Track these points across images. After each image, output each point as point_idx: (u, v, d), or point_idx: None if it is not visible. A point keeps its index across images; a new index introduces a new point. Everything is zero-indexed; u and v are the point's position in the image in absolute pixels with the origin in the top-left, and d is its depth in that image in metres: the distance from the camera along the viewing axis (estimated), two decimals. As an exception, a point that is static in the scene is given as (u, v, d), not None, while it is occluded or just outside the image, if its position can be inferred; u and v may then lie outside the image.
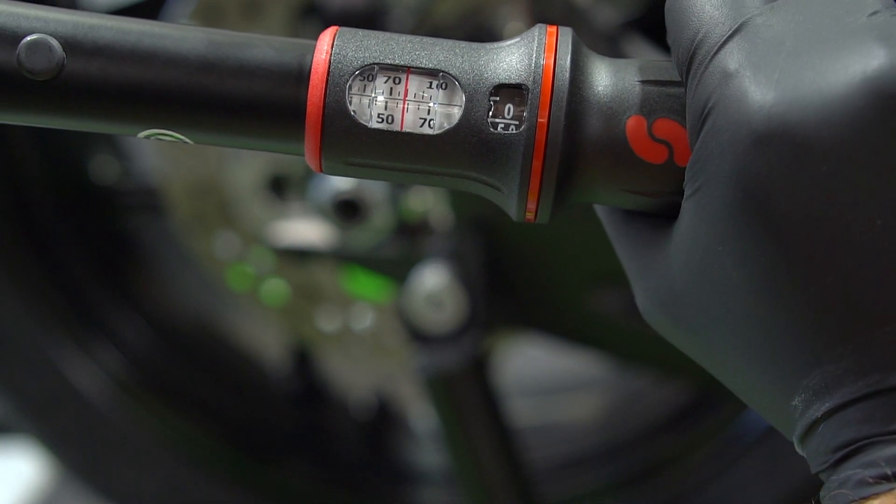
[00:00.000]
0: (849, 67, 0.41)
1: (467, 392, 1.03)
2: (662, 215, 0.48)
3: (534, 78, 0.46)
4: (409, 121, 0.46)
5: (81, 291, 1.27)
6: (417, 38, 0.48)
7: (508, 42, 0.48)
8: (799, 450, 0.45)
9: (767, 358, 0.43)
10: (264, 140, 0.48)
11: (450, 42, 0.48)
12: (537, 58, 0.46)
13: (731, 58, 0.43)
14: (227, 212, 1.20)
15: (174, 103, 0.47)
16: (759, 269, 0.42)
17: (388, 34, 0.48)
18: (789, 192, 0.41)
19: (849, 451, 0.41)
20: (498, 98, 0.46)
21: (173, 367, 1.31)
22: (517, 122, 0.46)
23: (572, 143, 0.46)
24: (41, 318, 1.21)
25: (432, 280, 1.03)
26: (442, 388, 1.03)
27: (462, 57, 0.47)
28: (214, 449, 1.28)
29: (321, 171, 0.48)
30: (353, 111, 0.46)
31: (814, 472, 0.43)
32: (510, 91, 0.46)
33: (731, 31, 0.43)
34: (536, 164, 0.46)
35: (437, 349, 1.03)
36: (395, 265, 1.10)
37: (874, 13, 0.42)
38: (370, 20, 1.01)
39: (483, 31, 1.04)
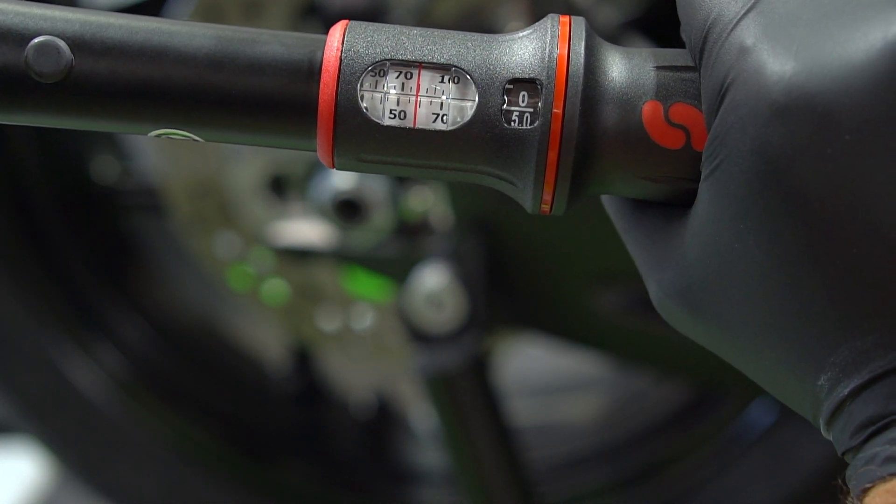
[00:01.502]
0: (868, 35, 0.40)
1: (467, 392, 1.03)
2: (676, 204, 0.47)
3: (548, 70, 0.45)
4: (421, 116, 0.46)
5: (81, 291, 1.27)
6: (428, 32, 0.47)
7: (521, 33, 0.47)
8: (825, 432, 0.44)
9: (793, 337, 0.43)
10: (275, 137, 0.48)
11: (462, 34, 0.47)
12: (551, 49, 0.46)
13: (748, 33, 0.42)
14: (228, 212, 1.20)
15: (184, 102, 0.46)
16: (782, 244, 0.42)
17: (398, 28, 0.47)
18: (812, 162, 0.40)
19: (877, 428, 0.41)
20: (511, 91, 0.46)
21: (173, 367, 1.31)
22: (531, 115, 0.45)
23: (588, 132, 0.45)
24: (41, 318, 1.21)
25: (432, 280, 1.03)
26: (442, 388, 1.03)
27: (474, 50, 0.46)
28: (214, 449, 1.28)
29: (333, 167, 0.48)
30: (366, 107, 0.46)
31: (840, 454, 0.43)
32: (524, 84, 0.46)
33: (745, 9, 0.43)
34: (552, 156, 0.45)
35: (437, 349, 1.03)
36: (395, 265, 1.10)
37: None
38: (370, 20, 1.01)
39: (483, 31, 1.04)
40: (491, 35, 0.47)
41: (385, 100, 0.46)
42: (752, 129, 0.41)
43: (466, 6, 1.04)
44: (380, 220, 1.11)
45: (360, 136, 0.46)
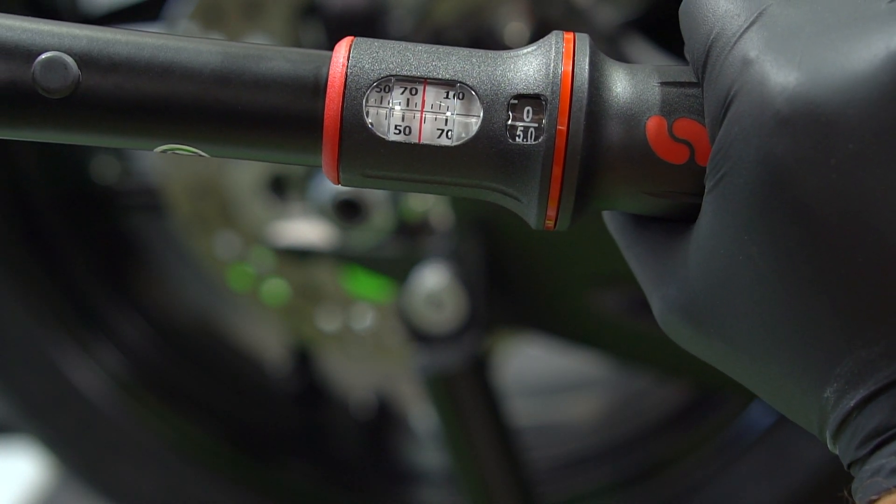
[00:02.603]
0: (871, 46, 0.40)
1: (467, 392, 1.03)
2: (678, 219, 0.47)
3: (552, 87, 0.46)
4: (426, 132, 0.46)
5: (82, 291, 1.27)
6: (433, 48, 0.47)
7: (525, 50, 0.47)
8: (831, 446, 0.44)
9: (798, 349, 0.43)
10: (280, 153, 0.48)
11: (466, 51, 0.47)
12: (555, 66, 0.46)
13: (751, 46, 0.42)
14: (228, 212, 1.20)
15: (190, 119, 0.47)
16: (786, 255, 0.42)
17: (403, 44, 0.48)
18: (816, 171, 0.40)
19: (883, 440, 0.41)
20: (516, 107, 0.46)
21: (174, 367, 1.31)
22: (536, 130, 0.46)
23: (592, 147, 0.46)
24: (42, 318, 1.21)
25: (432, 280, 1.03)
26: (442, 388, 1.03)
27: (479, 66, 0.47)
28: (215, 449, 1.28)
29: (339, 183, 0.48)
30: (371, 123, 0.46)
31: (847, 466, 0.43)
32: (529, 100, 0.46)
33: (748, 23, 0.43)
34: (556, 171, 0.46)
35: (437, 349, 1.03)
36: (395, 265, 1.10)
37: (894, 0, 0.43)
38: (371, 21, 1.01)
39: (483, 32, 1.04)
40: (495, 51, 0.48)
41: (390, 115, 0.46)
42: (755, 139, 0.41)
43: (466, 6, 1.04)
44: (380, 220, 1.11)
45: (365, 152, 0.46)
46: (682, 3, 0.47)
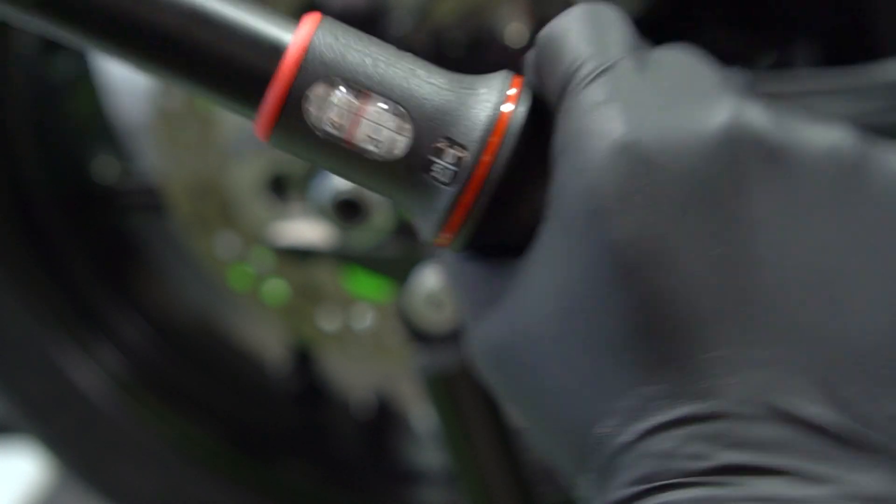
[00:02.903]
0: (709, 114, 0.43)
1: (468, 392, 1.03)
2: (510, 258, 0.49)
3: (478, 145, 0.47)
4: (358, 135, 0.48)
5: (82, 291, 1.27)
6: (393, 59, 0.49)
7: (476, 91, 0.49)
8: (587, 489, 0.44)
9: (587, 376, 0.44)
10: (224, 105, 0.50)
11: (423, 72, 0.49)
12: (485, 131, 0.47)
13: (599, 92, 0.45)
14: (228, 212, 1.20)
15: (152, 50, 0.48)
16: (592, 285, 0.43)
17: (364, 45, 0.49)
18: (632, 211, 0.42)
19: (646, 489, 0.41)
20: (442, 147, 0.48)
21: (174, 367, 1.32)
22: (452, 175, 0.47)
23: (496, 207, 0.48)
24: (42, 317, 1.22)
25: (432, 280, 1.03)
26: (442, 388, 1.03)
27: (426, 95, 0.48)
28: (215, 449, 1.28)
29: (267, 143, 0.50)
30: (309, 112, 0.48)
31: None
32: (455, 144, 0.48)
33: (600, 69, 0.46)
34: (455, 220, 0.48)
35: (438, 349, 1.03)
36: (395, 265, 1.10)
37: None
38: (371, 20, 1.01)
39: (483, 32, 1.04)
40: (454, 80, 0.49)
41: (329, 110, 0.48)
42: (586, 176, 0.43)
43: (466, 6, 1.04)
44: (380, 220, 1.11)
45: (297, 137, 0.48)
46: (540, 35, 0.49)
